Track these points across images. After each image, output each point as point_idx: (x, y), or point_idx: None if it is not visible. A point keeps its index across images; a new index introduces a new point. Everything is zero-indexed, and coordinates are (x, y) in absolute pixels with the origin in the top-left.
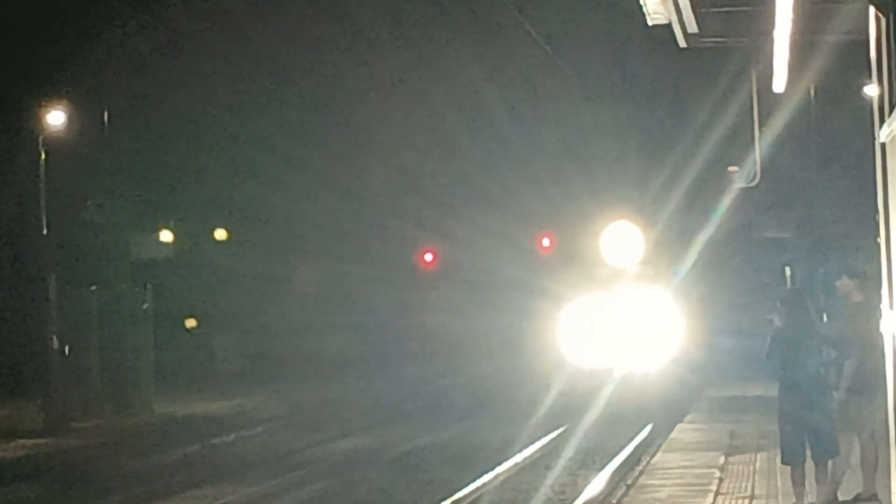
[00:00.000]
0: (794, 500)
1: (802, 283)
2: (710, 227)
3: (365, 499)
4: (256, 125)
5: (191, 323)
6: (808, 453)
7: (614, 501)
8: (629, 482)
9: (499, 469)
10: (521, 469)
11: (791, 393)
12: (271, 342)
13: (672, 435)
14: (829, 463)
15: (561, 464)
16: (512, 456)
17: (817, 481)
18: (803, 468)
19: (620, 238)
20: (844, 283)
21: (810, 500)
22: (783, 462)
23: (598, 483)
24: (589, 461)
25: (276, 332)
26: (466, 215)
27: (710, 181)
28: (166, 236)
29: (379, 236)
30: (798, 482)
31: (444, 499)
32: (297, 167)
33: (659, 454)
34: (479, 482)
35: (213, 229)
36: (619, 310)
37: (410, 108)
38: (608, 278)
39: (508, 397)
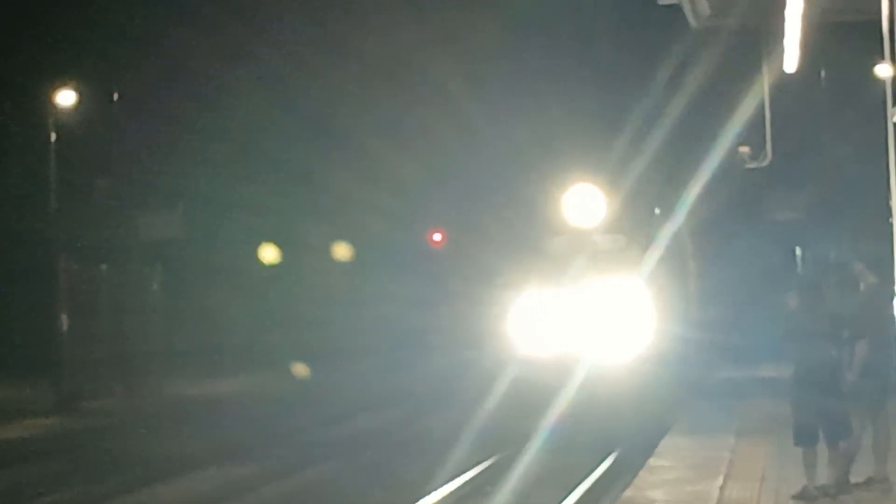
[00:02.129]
0: (805, 482)
1: (813, 265)
2: (709, 205)
3: (372, 479)
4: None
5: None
6: (821, 435)
7: None
8: None
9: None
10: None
11: (804, 375)
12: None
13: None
14: (841, 445)
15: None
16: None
17: (830, 463)
18: (815, 450)
19: (582, 202)
20: (860, 264)
21: (822, 482)
22: (795, 444)
23: None
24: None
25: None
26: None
27: (712, 159)
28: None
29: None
30: (810, 464)
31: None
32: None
33: None
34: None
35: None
36: (580, 293)
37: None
38: (566, 254)
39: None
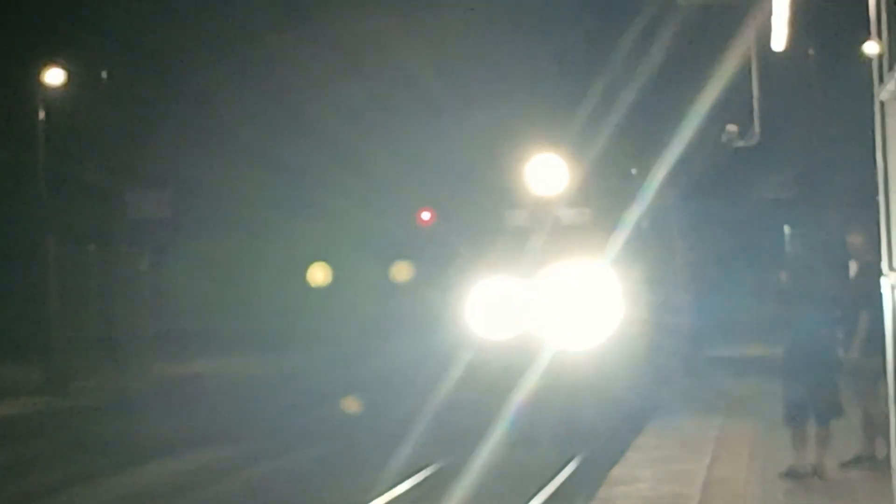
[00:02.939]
0: (792, 460)
1: (802, 242)
2: (696, 183)
3: (363, 460)
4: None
5: None
6: (811, 414)
7: None
8: None
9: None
10: None
11: (795, 353)
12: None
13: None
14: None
15: None
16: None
17: (818, 442)
18: (804, 429)
19: (542, 172)
20: (855, 240)
21: (810, 460)
22: (786, 423)
23: None
24: None
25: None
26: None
27: (691, 130)
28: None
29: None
30: (798, 442)
31: None
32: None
33: None
34: None
35: None
36: (540, 272)
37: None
38: (526, 229)
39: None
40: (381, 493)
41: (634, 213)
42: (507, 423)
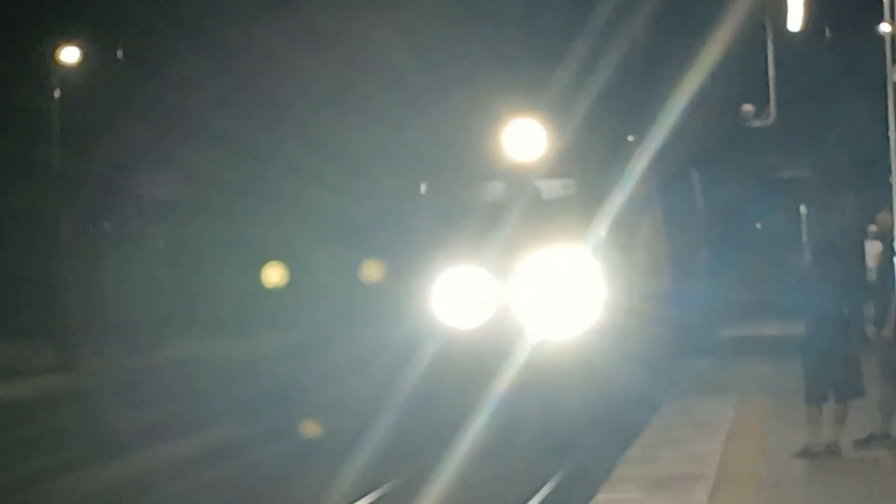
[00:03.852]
0: (807, 439)
1: (820, 221)
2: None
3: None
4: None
5: None
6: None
7: None
8: None
9: None
10: None
11: (817, 332)
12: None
13: None
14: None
15: None
16: None
17: (835, 420)
18: (820, 407)
19: (518, 138)
20: (886, 219)
21: (825, 438)
22: (806, 402)
23: None
24: None
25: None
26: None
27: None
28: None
29: None
30: (813, 421)
31: None
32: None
33: None
34: None
35: None
36: (516, 253)
37: None
38: (501, 204)
39: None
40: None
41: (629, 185)
42: (482, 424)
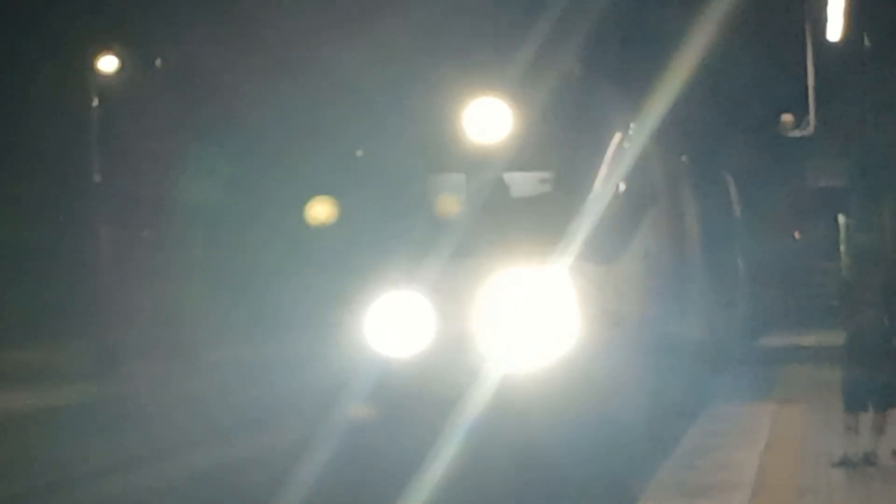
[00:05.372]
0: (845, 448)
1: (859, 230)
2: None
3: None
4: None
5: None
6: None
7: None
8: None
9: None
10: None
11: (856, 341)
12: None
13: None
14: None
15: None
16: None
17: (874, 429)
18: (858, 416)
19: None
20: None
21: (863, 447)
22: (846, 409)
23: None
24: None
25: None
26: None
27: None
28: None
29: None
30: (851, 430)
31: None
32: None
33: None
34: None
35: None
36: (473, 263)
37: None
38: (457, 202)
39: None
40: None
41: (623, 180)
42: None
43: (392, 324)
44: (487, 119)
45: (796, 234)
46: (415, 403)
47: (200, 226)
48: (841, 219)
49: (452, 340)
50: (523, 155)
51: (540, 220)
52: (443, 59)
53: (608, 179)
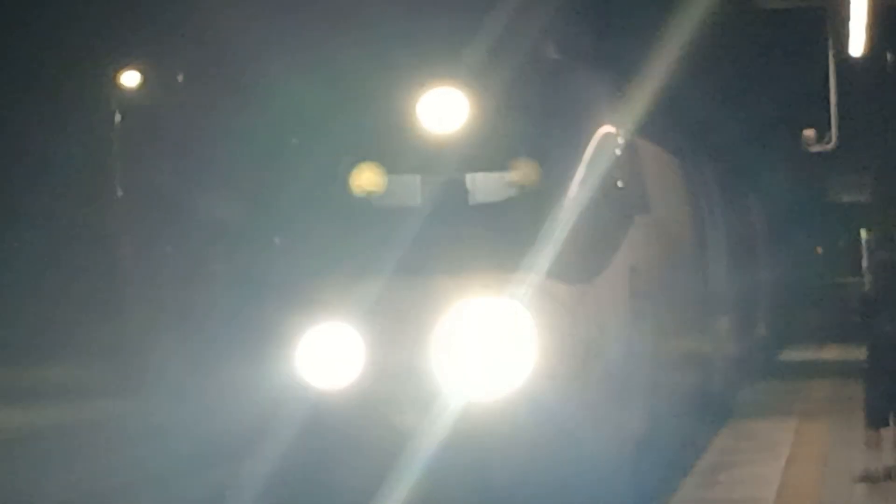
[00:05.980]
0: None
1: (881, 245)
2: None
3: None
4: None
5: None
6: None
7: None
8: None
9: None
10: None
11: (879, 356)
12: None
13: None
14: None
15: None
16: None
17: (895, 445)
18: (880, 431)
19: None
20: None
21: (886, 463)
22: (868, 424)
23: None
24: None
25: None
26: None
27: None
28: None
29: None
30: (873, 445)
31: None
32: None
33: None
34: None
35: None
36: (418, 282)
37: None
38: (403, 207)
39: None
40: None
41: (606, 179)
42: None
43: (323, 355)
44: (443, 111)
45: (818, 249)
46: (348, 440)
47: (220, 240)
48: (863, 234)
49: (390, 371)
50: (485, 152)
51: (503, 232)
52: (394, 44)
53: (587, 181)
